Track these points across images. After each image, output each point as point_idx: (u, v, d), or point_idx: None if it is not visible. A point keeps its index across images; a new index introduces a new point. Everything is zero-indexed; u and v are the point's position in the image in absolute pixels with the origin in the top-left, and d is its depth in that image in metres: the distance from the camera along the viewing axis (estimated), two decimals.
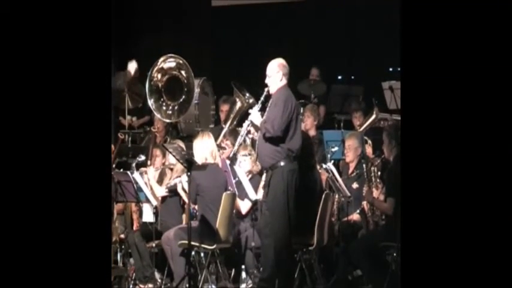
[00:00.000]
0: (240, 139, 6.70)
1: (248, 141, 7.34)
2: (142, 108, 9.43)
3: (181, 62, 8.27)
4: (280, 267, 6.19)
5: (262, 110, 6.40)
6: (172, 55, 8.31)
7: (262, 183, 6.87)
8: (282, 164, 6.17)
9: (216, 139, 7.31)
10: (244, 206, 7.11)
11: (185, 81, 8.27)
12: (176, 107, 8.30)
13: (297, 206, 6.25)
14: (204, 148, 6.85)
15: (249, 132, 6.53)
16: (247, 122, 6.42)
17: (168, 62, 8.31)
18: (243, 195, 7.05)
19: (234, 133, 7.63)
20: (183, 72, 8.28)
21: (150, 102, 8.24)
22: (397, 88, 8.25)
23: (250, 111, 6.44)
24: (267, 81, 6.35)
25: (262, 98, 6.41)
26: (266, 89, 6.35)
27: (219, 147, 7.33)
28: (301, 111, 8.74)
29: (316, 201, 6.71)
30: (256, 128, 6.35)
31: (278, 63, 6.36)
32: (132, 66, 8.30)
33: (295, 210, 6.21)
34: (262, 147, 6.28)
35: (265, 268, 6.31)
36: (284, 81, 6.35)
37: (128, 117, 9.40)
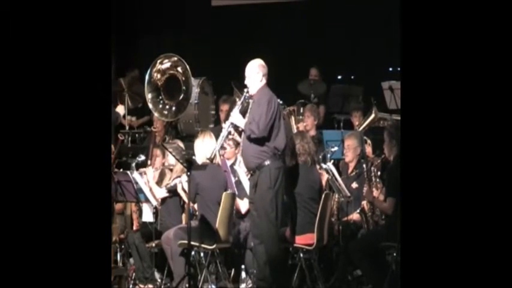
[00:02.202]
0: (220, 140, 6.65)
1: None
2: (141, 108, 9.44)
3: (175, 59, 8.27)
4: (272, 266, 6.19)
5: (243, 111, 6.41)
6: (167, 54, 8.31)
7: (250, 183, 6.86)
8: (267, 163, 6.19)
9: (216, 139, 7.30)
10: (243, 205, 7.11)
11: (183, 78, 8.26)
12: (174, 107, 8.29)
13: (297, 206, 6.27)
14: (206, 148, 6.84)
15: (229, 133, 6.53)
16: (228, 123, 6.43)
17: (164, 63, 8.32)
18: (243, 194, 7.05)
19: None
20: (179, 69, 8.28)
21: (148, 100, 8.24)
22: (397, 88, 8.25)
23: (231, 113, 6.45)
24: (246, 82, 6.37)
25: (242, 99, 6.43)
26: (246, 90, 6.37)
27: (220, 147, 7.31)
28: (302, 111, 8.77)
29: (316, 200, 6.72)
30: (237, 129, 6.36)
31: (258, 64, 6.38)
32: (120, 110, 8.23)
33: (293, 209, 6.23)
34: (248, 148, 6.28)
35: (259, 268, 6.32)
36: (264, 82, 6.37)
37: (128, 117, 9.42)
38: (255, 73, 6.34)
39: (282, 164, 6.28)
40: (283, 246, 6.55)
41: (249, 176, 7.13)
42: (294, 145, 6.79)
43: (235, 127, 6.38)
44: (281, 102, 6.94)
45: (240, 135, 6.61)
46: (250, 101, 6.37)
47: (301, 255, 6.77)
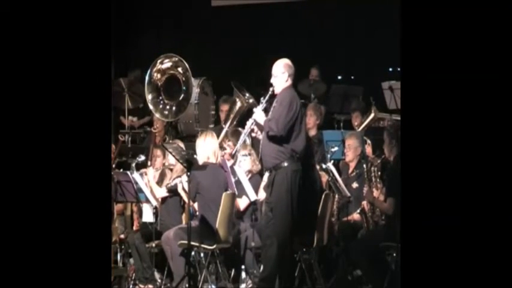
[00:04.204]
0: (242, 137, 6.68)
1: (248, 141, 7.34)
2: (142, 109, 9.44)
3: (176, 59, 8.27)
4: (282, 267, 6.19)
5: (266, 110, 6.40)
6: (167, 54, 8.31)
7: (263, 183, 6.87)
8: (285, 164, 6.16)
9: (217, 139, 7.30)
10: (242, 203, 7.12)
11: (183, 78, 8.27)
12: (174, 107, 8.29)
13: (298, 206, 6.26)
14: (207, 147, 6.84)
15: (252, 130, 6.52)
16: (250, 121, 6.41)
17: (165, 63, 8.32)
18: (242, 193, 7.05)
19: (236, 134, 7.63)
20: (179, 69, 8.28)
21: (148, 101, 8.24)
22: (396, 88, 8.25)
23: (254, 109, 6.44)
24: (272, 80, 6.33)
25: (267, 97, 6.40)
26: (271, 89, 6.35)
27: (220, 147, 7.33)
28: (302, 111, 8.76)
29: (317, 201, 6.71)
30: (260, 127, 6.35)
31: (284, 64, 6.34)
32: None
33: (297, 210, 6.22)
34: (266, 148, 6.27)
35: (265, 268, 6.30)
36: (289, 82, 6.35)
37: (130, 117, 9.42)
38: (281, 73, 6.31)
39: (300, 166, 6.25)
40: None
41: (249, 176, 7.16)
42: None
43: (258, 125, 6.36)
44: None
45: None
46: (274, 100, 6.35)
47: (301, 255, 6.76)
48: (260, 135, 6.43)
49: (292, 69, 6.35)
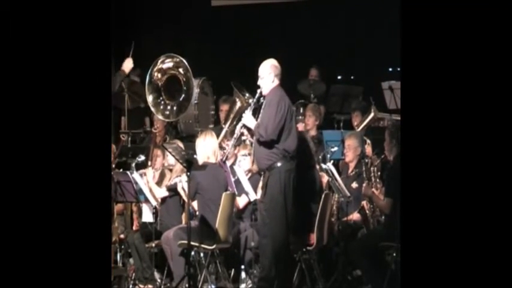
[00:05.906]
0: (233, 141, 6.72)
1: (248, 141, 7.35)
2: (144, 108, 9.42)
3: (178, 60, 8.26)
4: (279, 267, 6.20)
5: (256, 111, 6.42)
6: (169, 54, 8.30)
7: (261, 183, 6.89)
8: (279, 164, 6.19)
9: (217, 138, 7.30)
10: (241, 201, 7.13)
11: (184, 79, 8.26)
12: (175, 107, 8.29)
13: (296, 206, 6.27)
14: (207, 147, 6.85)
15: (242, 134, 6.55)
16: (240, 125, 6.45)
17: (166, 63, 8.31)
18: (242, 192, 7.06)
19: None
20: (181, 70, 8.27)
21: (149, 103, 8.24)
22: (396, 88, 8.25)
23: (243, 114, 6.47)
24: (259, 82, 6.37)
25: (255, 100, 6.44)
26: (259, 91, 6.38)
27: (220, 147, 7.33)
28: (302, 111, 8.77)
29: (316, 201, 6.72)
30: (250, 131, 6.38)
31: (270, 65, 6.37)
32: (127, 66, 8.17)
33: (292, 209, 6.23)
34: (258, 149, 6.30)
35: (263, 267, 6.33)
36: (276, 82, 6.36)
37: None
38: (267, 74, 6.34)
39: (294, 166, 6.26)
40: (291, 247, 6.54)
41: (249, 175, 7.16)
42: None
43: (248, 128, 6.39)
44: None
45: (252, 136, 6.63)
46: (263, 101, 6.37)
47: (301, 255, 6.76)
48: (250, 138, 6.47)
49: (278, 70, 6.37)
